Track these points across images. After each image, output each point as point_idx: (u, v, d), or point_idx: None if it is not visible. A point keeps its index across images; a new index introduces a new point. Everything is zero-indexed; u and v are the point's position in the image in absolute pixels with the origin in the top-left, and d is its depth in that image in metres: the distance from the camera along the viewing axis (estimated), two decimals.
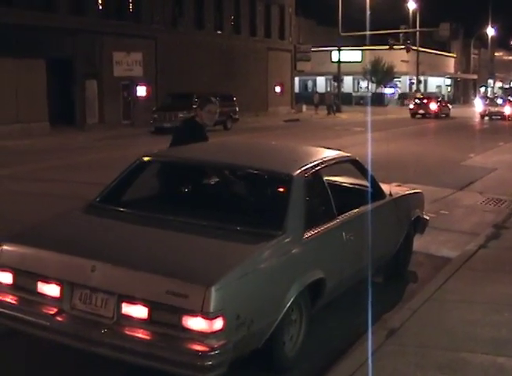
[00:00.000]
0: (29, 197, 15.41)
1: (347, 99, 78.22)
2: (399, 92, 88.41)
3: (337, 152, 8.45)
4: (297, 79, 79.09)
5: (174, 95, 41.58)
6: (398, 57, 79.34)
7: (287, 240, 6.33)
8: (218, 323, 5.34)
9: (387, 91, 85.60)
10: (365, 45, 78.17)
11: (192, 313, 5.34)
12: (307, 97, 74.49)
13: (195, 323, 5.34)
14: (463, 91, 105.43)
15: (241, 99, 46.99)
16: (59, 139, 33.51)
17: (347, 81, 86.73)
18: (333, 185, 8.42)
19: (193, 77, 48.15)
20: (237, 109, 43.97)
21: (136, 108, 44.60)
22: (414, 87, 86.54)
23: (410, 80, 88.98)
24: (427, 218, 10.44)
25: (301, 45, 69.25)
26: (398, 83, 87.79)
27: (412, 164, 23.20)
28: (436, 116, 58.43)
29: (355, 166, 8.48)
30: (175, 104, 39.99)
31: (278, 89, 62.41)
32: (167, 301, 5.42)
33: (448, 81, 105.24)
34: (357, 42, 79.97)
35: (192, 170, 8.05)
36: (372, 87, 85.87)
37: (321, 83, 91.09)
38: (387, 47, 69.83)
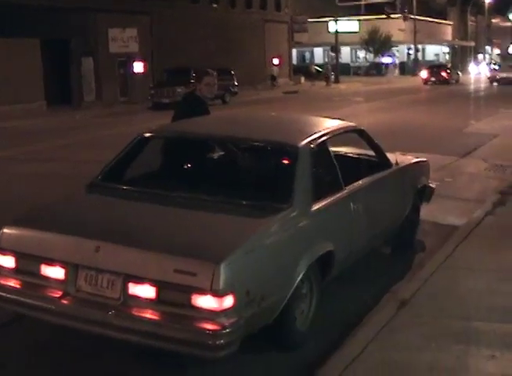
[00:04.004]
0: (30, 178, 15.26)
1: (346, 70, 77.75)
2: (397, 61, 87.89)
3: (343, 122, 8.30)
4: (294, 51, 78.68)
5: (171, 70, 41.26)
6: (395, 26, 78.78)
7: (295, 213, 6.18)
8: (228, 301, 5.21)
9: (385, 60, 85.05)
10: (362, 15, 77.64)
11: (202, 291, 5.20)
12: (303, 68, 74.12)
13: (204, 301, 5.21)
14: (461, 58, 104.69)
15: (239, 73, 46.68)
16: (56, 118, 33.29)
17: (345, 51, 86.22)
18: (339, 155, 8.28)
19: (190, 51, 47.80)
20: (235, 82, 43.67)
21: (133, 84, 44.25)
22: (412, 56, 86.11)
23: (408, 49, 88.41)
24: (433, 186, 10.31)
25: (297, 16, 68.67)
26: (395, 52, 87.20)
27: (414, 133, 23.06)
28: (447, 82, 62.64)
29: (362, 136, 8.31)
30: (173, 79, 39.71)
31: (276, 61, 61.98)
32: (175, 280, 5.28)
33: (446, 49, 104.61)
34: (354, 12, 79.43)
35: (195, 144, 7.84)
36: (370, 57, 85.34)
37: (318, 54, 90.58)
38: (384, 16, 69.39)
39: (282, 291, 5.87)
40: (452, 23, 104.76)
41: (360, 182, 7.63)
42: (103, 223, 6.17)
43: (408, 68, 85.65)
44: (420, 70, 71.07)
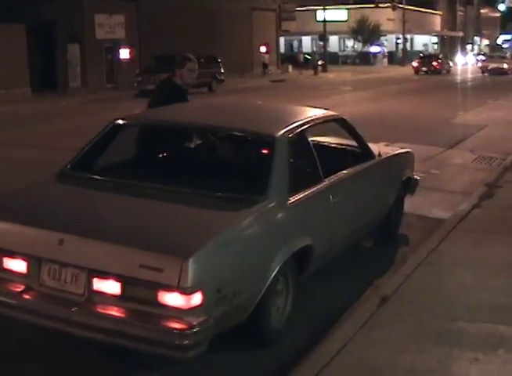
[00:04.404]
0: (6, 164, 14.88)
1: (334, 59, 77.23)
2: (385, 50, 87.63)
3: (324, 111, 7.96)
4: (282, 39, 78.28)
5: (157, 57, 40.78)
6: (383, 15, 78.51)
7: (271, 205, 5.87)
8: (197, 299, 4.90)
9: (373, 49, 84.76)
10: (351, 4, 77.35)
11: (169, 288, 4.89)
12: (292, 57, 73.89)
13: (171, 298, 4.91)
14: (450, 48, 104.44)
15: (226, 61, 46.28)
16: (41, 104, 32.79)
17: (333, 40, 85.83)
18: (319, 145, 7.93)
19: (177, 39, 47.24)
20: (222, 70, 43.27)
21: (120, 71, 43.80)
22: (400, 45, 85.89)
23: (397, 38, 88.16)
24: (418, 178, 9.99)
25: (285, 4, 68.22)
26: (384, 42, 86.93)
27: (402, 123, 22.78)
28: (439, 72, 62.76)
29: (343, 125, 7.98)
30: (159, 66, 39.17)
31: (263, 49, 61.57)
32: (140, 276, 4.97)
33: (435, 39, 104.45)
34: (342, 1, 79.13)
35: (169, 133, 7.51)
36: (358, 46, 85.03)
37: (307, 43, 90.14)
38: (373, 5, 69.16)
39: (256, 288, 5.57)
40: (441, 13, 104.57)
41: (341, 173, 7.31)
42: (69, 215, 5.85)
43: (396, 58, 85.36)
44: (411, 61, 70.96)
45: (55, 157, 14.60)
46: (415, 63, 65.47)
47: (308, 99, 31.03)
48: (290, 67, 65.64)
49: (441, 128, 21.57)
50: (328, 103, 30.50)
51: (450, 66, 68.62)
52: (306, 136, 6.98)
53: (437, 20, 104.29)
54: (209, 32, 52.27)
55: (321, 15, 68.36)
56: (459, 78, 57.13)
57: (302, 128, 6.88)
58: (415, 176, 9.82)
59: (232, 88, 42.08)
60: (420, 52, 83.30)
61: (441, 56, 69.82)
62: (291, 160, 6.37)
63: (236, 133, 7.05)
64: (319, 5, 68.15)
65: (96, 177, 6.62)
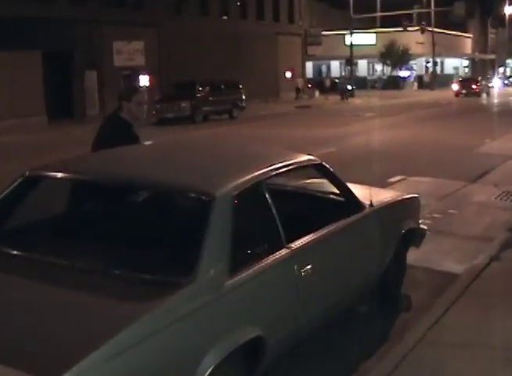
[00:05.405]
0: None
1: (362, 84, 75.73)
2: (415, 74, 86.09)
3: (295, 155, 6.37)
4: (310, 64, 77.25)
5: (177, 84, 39.78)
6: (412, 39, 76.94)
7: (200, 289, 4.41)
8: None
9: (403, 73, 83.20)
10: (377, 27, 76.15)
11: None
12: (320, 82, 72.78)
13: None
14: (481, 71, 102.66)
15: (250, 86, 45.23)
16: (54, 133, 31.77)
17: (362, 64, 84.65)
18: (290, 196, 6.54)
19: (199, 65, 46.39)
20: (243, 96, 42.00)
21: None
22: (430, 69, 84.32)
23: (426, 62, 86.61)
24: (425, 227, 8.39)
25: (311, 28, 67.13)
26: (413, 65, 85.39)
27: (422, 152, 21.28)
28: (478, 95, 63.63)
29: (321, 172, 6.50)
30: (178, 94, 38.28)
31: (288, 74, 60.44)
32: None
33: (466, 62, 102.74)
34: (371, 25, 77.92)
35: (86, 189, 6.04)
36: (387, 70, 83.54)
37: (335, 67, 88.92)
38: (401, 29, 67.87)
39: None
40: (471, 35, 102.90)
41: (315, 234, 5.79)
42: None
43: (426, 82, 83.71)
44: (441, 85, 71.00)
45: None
46: (455, 86, 66.02)
47: (326, 128, 29.88)
48: (317, 92, 64.44)
49: (464, 157, 20.01)
50: (349, 131, 29.21)
51: (490, 89, 69.42)
52: (263, 190, 5.43)
53: (467, 43, 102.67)
54: (232, 57, 51.36)
55: (350, 39, 67.12)
56: (495, 101, 55.51)
57: (258, 179, 5.38)
58: (421, 226, 8.30)
59: (254, 115, 40.90)
60: (451, 75, 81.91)
61: (479, 79, 69.96)
62: (237, 225, 4.85)
63: (162, 189, 5.55)
64: (347, 29, 66.92)
65: None
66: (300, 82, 60.97)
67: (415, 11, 75.51)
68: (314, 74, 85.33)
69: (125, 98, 7.42)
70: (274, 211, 5.35)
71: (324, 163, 6.43)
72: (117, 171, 5.70)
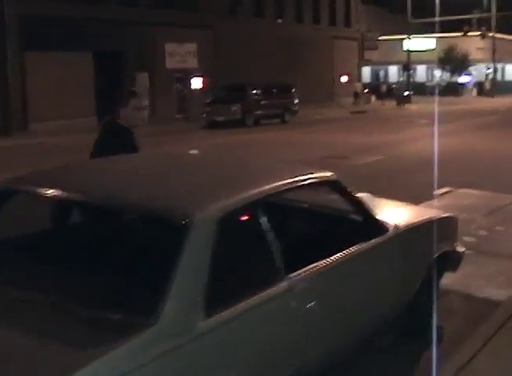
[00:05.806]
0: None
1: (421, 89, 74.33)
2: (474, 80, 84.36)
3: (306, 171, 5.46)
4: (368, 69, 76.28)
5: (227, 86, 39.19)
6: (472, 44, 75.40)
7: (165, 331, 3.66)
8: None
9: (462, 79, 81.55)
10: (436, 32, 74.82)
11: None
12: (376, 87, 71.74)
13: None
14: None
15: (305, 90, 44.65)
16: None
17: (421, 70, 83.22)
18: (296, 217, 5.73)
19: (253, 67, 45.86)
20: (296, 100, 41.27)
21: (191, 101, 42.39)
22: (490, 75, 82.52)
23: (486, 68, 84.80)
24: (462, 250, 7.47)
25: (368, 33, 66.19)
26: (473, 72, 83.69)
27: (475, 162, 20.38)
28: None
29: (337, 191, 5.65)
30: (229, 96, 37.72)
31: (344, 79, 59.56)
32: None
33: None
34: (431, 29, 76.60)
35: (55, 207, 5.38)
36: (446, 76, 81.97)
37: (393, 72, 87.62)
38: (461, 34, 66.48)
39: None
40: None
41: (321, 262, 4.95)
42: None
43: (485, 88, 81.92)
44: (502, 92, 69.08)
45: None
46: None
47: (376, 134, 29.07)
48: (373, 98, 63.46)
49: None
50: (400, 138, 28.33)
51: None
52: (259, 211, 4.63)
53: None
54: (286, 60, 50.77)
55: (408, 44, 66.05)
56: None
57: (253, 199, 4.59)
58: (458, 248, 7.45)
59: (307, 120, 40.23)
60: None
61: None
62: (221, 253, 4.06)
63: (134, 211, 4.82)
64: (406, 34, 65.84)
65: None
66: (358, 87, 60.20)
67: (475, 16, 73.84)
68: (372, 79, 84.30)
69: (121, 103, 6.80)
70: (272, 236, 4.58)
71: (339, 180, 5.59)
72: (83, 188, 4.93)
